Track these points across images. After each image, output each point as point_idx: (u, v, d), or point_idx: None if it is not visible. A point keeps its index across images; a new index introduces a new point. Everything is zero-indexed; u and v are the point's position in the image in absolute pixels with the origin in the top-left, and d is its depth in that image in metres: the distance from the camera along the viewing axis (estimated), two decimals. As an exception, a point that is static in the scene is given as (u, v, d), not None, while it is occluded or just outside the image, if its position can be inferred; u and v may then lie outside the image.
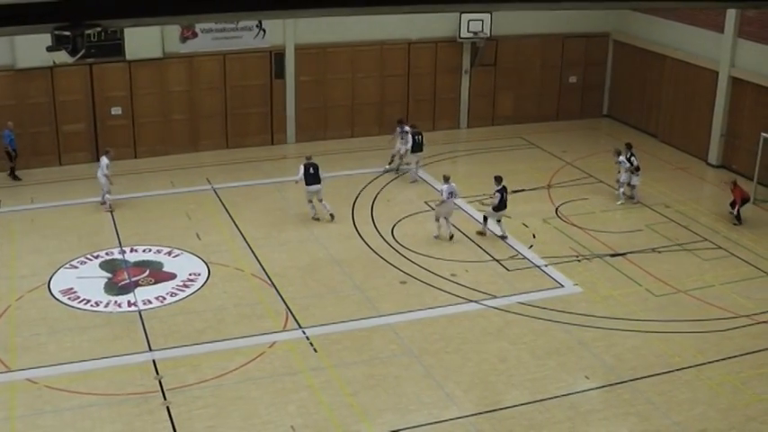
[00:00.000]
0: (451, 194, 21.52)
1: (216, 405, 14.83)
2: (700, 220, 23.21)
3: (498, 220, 21.78)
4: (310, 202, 22.38)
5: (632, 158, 24.06)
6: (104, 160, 22.82)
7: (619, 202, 23.99)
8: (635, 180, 24.06)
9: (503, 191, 21.57)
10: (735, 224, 22.74)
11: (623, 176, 24.07)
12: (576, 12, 30.07)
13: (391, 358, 16.37)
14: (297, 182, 22.36)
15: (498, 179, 21.76)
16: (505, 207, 21.76)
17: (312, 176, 22.12)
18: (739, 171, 26.17)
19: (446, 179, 21.71)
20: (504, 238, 21.59)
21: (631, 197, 24.12)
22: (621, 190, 24.10)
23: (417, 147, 25.48)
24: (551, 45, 31.35)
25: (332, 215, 22.37)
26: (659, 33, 29.54)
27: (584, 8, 26.58)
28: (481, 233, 21.74)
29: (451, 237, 21.49)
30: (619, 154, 24.16)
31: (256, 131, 28.68)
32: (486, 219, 21.86)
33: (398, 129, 25.92)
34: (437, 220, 21.71)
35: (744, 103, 26.54)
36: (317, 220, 22.34)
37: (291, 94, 28.69)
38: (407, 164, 25.88)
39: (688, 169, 27.23)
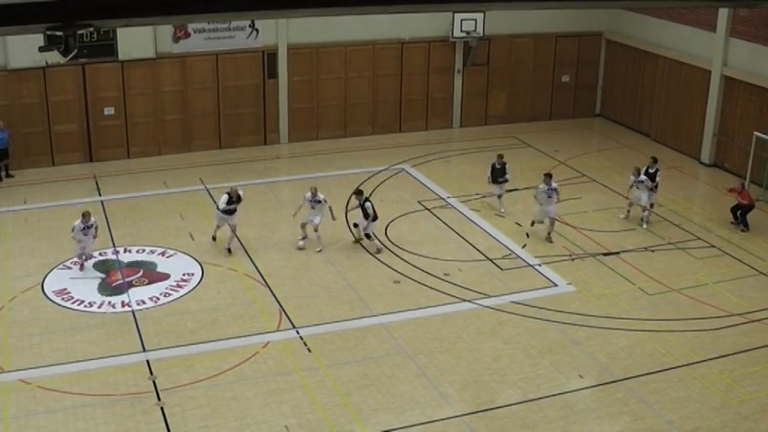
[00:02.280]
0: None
1: (210, 405, 14.82)
2: (693, 219, 23.25)
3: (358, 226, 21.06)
4: (219, 227, 20.99)
5: (657, 175, 22.59)
6: (77, 222, 19.47)
7: (644, 226, 22.33)
8: (652, 198, 22.57)
9: (365, 202, 20.67)
10: (743, 231, 22.29)
11: (644, 197, 22.28)
12: (568, 11, 30.16)
13: (385, 358, 16.37)
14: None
15: (359, 192, 21.18)
16: (377, 217, 20.83)
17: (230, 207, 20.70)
18: (732, 170, 26.30)
19: (315, 191, 20.81)
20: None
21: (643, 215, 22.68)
22: (646, 213, 22.45)
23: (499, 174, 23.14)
24: (544, 44, 31.37)
25: (229, 250, 20.63)
26: (652, 33, 29.59)
27: (576, 8, 26.75)
28: (378, 250, 20.72)
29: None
30: (638, 173, 22.33)
31: (249, 131, 28.65)
32: (368, 236, 20.82)
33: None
34: (303, 226, 20.97)
35: (736, 102, 26.60)
36: (214, 239, 21.18)
37: (284, 94, 28.68)
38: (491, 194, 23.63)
39: (681, 168, 27.28)
